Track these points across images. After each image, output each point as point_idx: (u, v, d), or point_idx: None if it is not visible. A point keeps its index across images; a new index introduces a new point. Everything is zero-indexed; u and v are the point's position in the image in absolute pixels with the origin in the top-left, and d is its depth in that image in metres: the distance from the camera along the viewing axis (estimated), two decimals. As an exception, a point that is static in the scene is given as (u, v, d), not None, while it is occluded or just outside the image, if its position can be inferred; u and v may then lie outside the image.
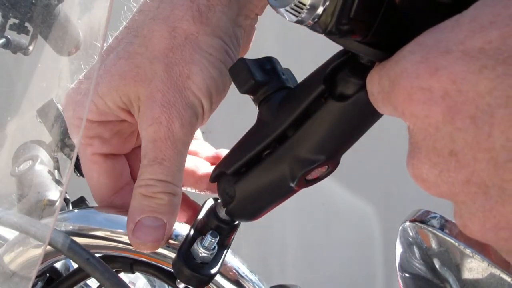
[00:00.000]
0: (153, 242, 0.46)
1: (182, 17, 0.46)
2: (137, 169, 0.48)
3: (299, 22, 0.31)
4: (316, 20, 0.30)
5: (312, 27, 0.31)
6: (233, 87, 0.44)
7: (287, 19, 0.31)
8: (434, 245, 0.45)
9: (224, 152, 0.57)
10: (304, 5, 0.30)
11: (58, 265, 0.56)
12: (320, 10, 0.30)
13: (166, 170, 0.46)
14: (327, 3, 0.30)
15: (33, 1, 0.57)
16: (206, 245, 0.45)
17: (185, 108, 0.46)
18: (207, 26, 0.47)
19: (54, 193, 0.57)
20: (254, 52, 0.53)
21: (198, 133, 0.59)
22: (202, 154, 0.58)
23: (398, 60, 0.30)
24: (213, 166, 0.49)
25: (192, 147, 0.57)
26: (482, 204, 0.29)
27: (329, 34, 0.31)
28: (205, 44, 0.47)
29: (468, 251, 0.43)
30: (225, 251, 0.48)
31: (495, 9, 0.28)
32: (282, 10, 0.31)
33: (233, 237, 0.48)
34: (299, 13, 0.30)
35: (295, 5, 0.30)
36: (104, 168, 0.50)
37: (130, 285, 0.58)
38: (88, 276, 0.53)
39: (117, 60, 0.47)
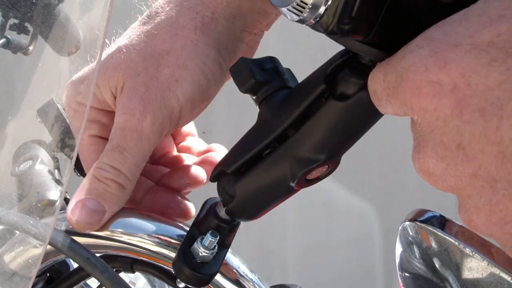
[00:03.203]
0: (87, 224, 0.47)
1: (185, 26, 0.49)
2: None
3: (301, 21, 0.31)
4: (317, 19, 0.30)
5: (314, 27, 0.31)
6: (233, 86, 0.44)
7: (289, 18, 0.31)
8: (434, 244, 0.45)
9: (216, 146, 0.58)
10: (306, 4, 0.30)
11: (58, 264, 0.56)
12: (322, 9, 0.30)
13: (123, 160, 0.47)
14: (329, 3, 0.30)
15: (33, 1, 0.57)
16: (206, 244, 0.45)
17: (161, 108, 0.47)
18: (207, 36, 0.49)
19: (54, 193, 0.57)
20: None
21: (194, 130, 0.61)
22: (195, 150, 0.59)
23: (404, 55, 0.30)
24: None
25: (186, 142, 0.59)
26: (488, 198, 0.29)
27: (330, 33, 0.31)
28: (202, 53, 0.48)
29: (468, 250, 0.43)
30: (225, 250, 0.48)
31: (504, 2, 0.27)
32: (284, 9, 0.31)
33: (233, 237, 0.48)
34: (301, 12, 0.30)
35: (297, 4, 0.30)
36: (101, 149, 0.51)
37: (130, 284, 0.58)
38: (88, 276, 0.53)
39: (116, 53, 0.49)
